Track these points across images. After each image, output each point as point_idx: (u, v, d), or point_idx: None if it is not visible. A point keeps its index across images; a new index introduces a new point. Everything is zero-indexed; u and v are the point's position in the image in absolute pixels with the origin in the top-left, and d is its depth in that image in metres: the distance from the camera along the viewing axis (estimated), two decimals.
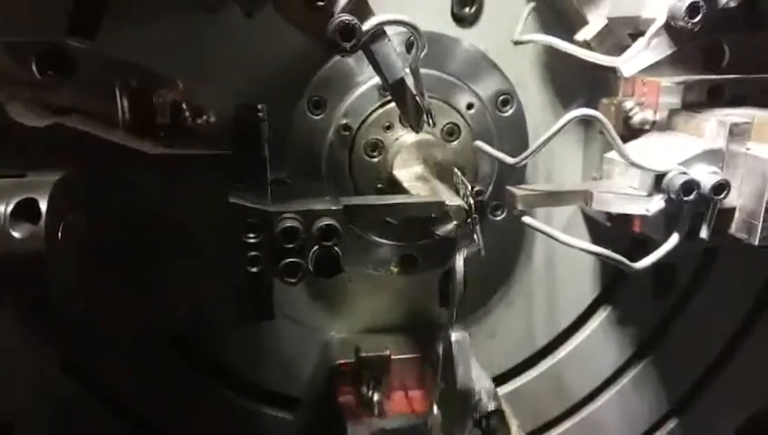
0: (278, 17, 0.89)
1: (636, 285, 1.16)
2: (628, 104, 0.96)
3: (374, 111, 0.96)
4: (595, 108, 1.00)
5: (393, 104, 0.96)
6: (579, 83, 1.04)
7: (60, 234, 0.56)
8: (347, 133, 0.96)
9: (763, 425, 1.27)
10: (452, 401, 0.81)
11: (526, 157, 0.86)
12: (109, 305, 0.67)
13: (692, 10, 0.74)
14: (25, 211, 0.55)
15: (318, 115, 0.96)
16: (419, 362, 1.06)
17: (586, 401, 1.23)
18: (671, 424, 1.27)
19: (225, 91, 0.92)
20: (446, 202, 0.78)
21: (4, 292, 0.56)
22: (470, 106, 0.99)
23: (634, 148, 0.88)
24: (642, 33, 0.79)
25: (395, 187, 0.95)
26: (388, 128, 0.97)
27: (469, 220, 0.79)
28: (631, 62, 0.79)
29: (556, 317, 1.17)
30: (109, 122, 0.67)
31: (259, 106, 0.70)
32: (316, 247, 0.71)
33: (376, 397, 1.01)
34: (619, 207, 0.87)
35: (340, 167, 0.98)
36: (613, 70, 0.85)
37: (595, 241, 1.11)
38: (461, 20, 1.00)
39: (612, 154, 0.89)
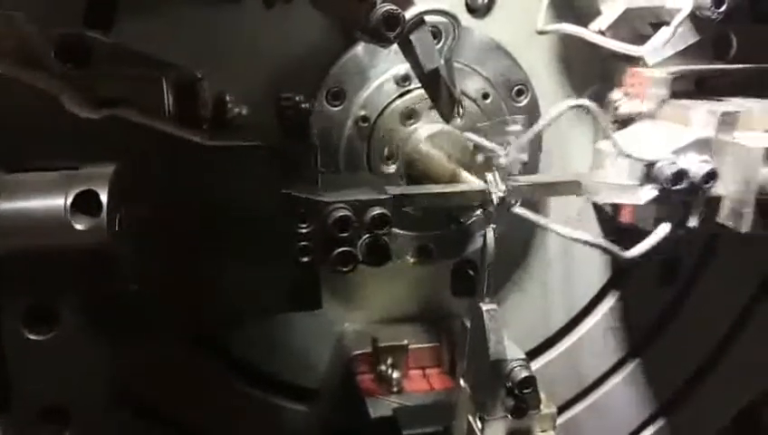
0: (296, 8, 0.90)
1: (643, 270, 1.18)
2: (615, 95, 0.97)
3: (392, 102, 0.97)
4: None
5: (409, 95, 0.97)
6: (591, 74, 1.04)
7: (117, 225, 0.56)
8: (365, 125, 0.97)
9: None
10: (482, 372, 0.81)
11: (517, 150, 0.85)
12: (162, 297, 0.66)
13: (718, 0, 0.76)
14: (85, 203, 0.55)
15: (336, 107, 0.96)
16: (436, 351, 1.07)
17: (595, 386, 1.24)
18: (677, 407, 1.29)
19: (242, 83, 0.91)
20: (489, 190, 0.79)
21: (68, 284, 0.55)
22: (485, 96, 1.00)
23: (625, 137, 0.88)
24: (664, 23, 0.80)
25: (412, 172, 0.96)
26: (406, 119, 0.97)
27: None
28: (656, 51, 0.79)
29: (568, 303, 1.19)
30: (155, 114, 0.66)
31: (298, 98, 0.70)
32: (367, 236, 0.72)
33: (395, 374, 1.02)
34: (610, 197, 0.87)
35: (358, 158, 0.98)
36: (633, 59, 0.87)
37: (605, 229, 1.13)
38: (474, 11, 1.01)
39: (602, 144, 0.89)
